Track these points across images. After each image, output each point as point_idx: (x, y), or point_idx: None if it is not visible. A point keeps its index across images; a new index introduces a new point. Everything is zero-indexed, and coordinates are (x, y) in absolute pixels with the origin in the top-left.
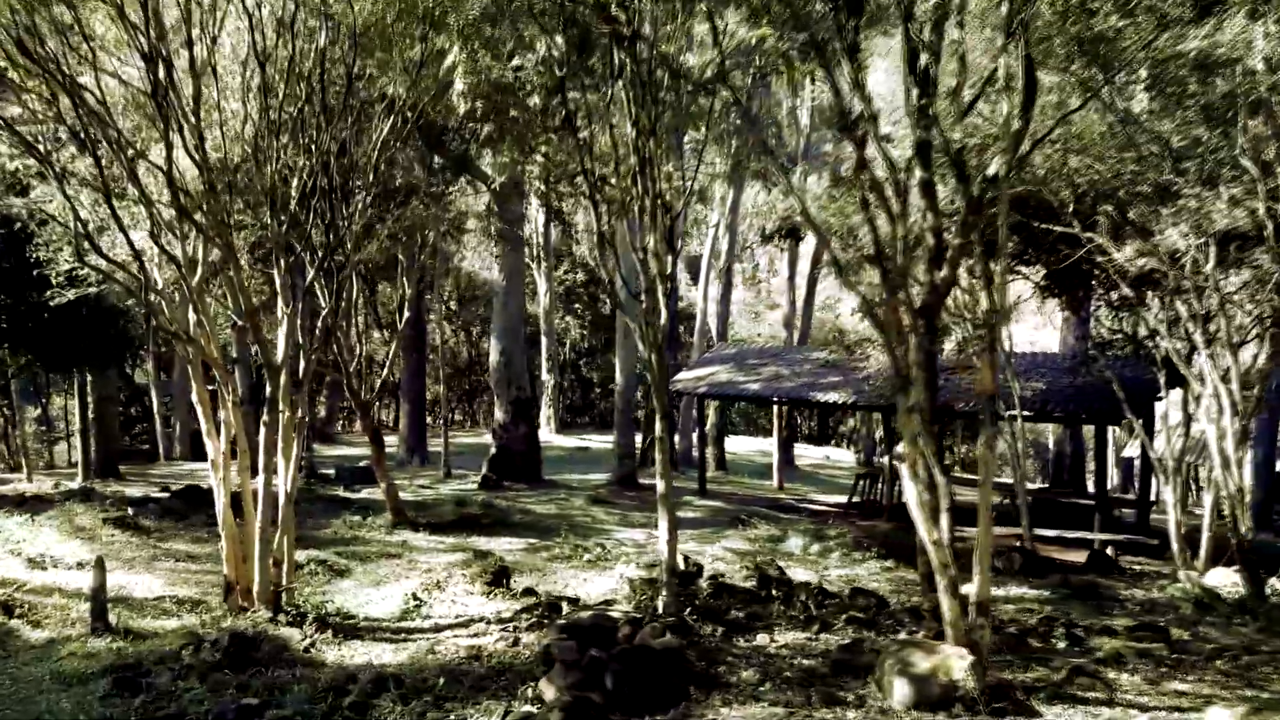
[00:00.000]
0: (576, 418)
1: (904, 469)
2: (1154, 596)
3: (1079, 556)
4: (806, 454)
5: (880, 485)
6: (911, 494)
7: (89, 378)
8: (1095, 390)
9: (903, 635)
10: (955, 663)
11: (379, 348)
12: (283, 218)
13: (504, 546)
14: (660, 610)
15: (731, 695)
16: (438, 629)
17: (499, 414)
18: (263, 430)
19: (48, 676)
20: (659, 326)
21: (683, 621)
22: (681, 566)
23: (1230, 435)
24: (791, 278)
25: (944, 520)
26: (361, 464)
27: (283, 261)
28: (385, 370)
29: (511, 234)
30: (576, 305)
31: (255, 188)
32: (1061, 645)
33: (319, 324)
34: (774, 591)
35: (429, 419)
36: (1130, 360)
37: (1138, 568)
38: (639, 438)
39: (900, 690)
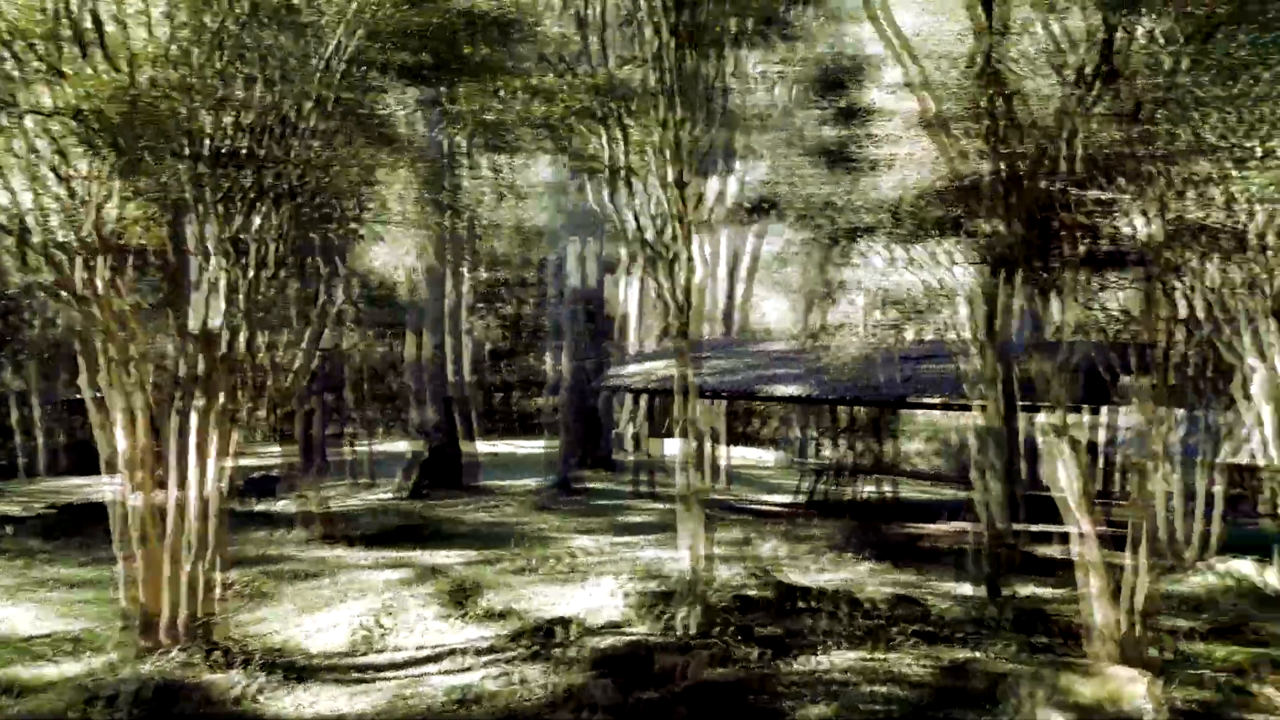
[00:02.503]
0: (496, 423)
1: (1060, 444)
2: (1184, 591)
3: (1055, 551)
4: (731, 454)
5: (830, 483)
6: (1069, 476)
7: None
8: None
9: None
10: (1130, 688)
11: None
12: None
13: (452, 560)
14: (687, 631)
15: None
16: (406, 665)
17: (422, 416)
18: (193, 421)
19: None
20: (690, 288)
21: (718, 644)
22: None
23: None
24: (732, 271)
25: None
26: (273, 473)
27: (211, 210)
28: (304, 363)
29: (442, 216)
30: (495, 305)
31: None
32: (1168, 656)
33: (248, 291)
34: (800, 603)
35: (335, 426)
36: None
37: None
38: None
39: None
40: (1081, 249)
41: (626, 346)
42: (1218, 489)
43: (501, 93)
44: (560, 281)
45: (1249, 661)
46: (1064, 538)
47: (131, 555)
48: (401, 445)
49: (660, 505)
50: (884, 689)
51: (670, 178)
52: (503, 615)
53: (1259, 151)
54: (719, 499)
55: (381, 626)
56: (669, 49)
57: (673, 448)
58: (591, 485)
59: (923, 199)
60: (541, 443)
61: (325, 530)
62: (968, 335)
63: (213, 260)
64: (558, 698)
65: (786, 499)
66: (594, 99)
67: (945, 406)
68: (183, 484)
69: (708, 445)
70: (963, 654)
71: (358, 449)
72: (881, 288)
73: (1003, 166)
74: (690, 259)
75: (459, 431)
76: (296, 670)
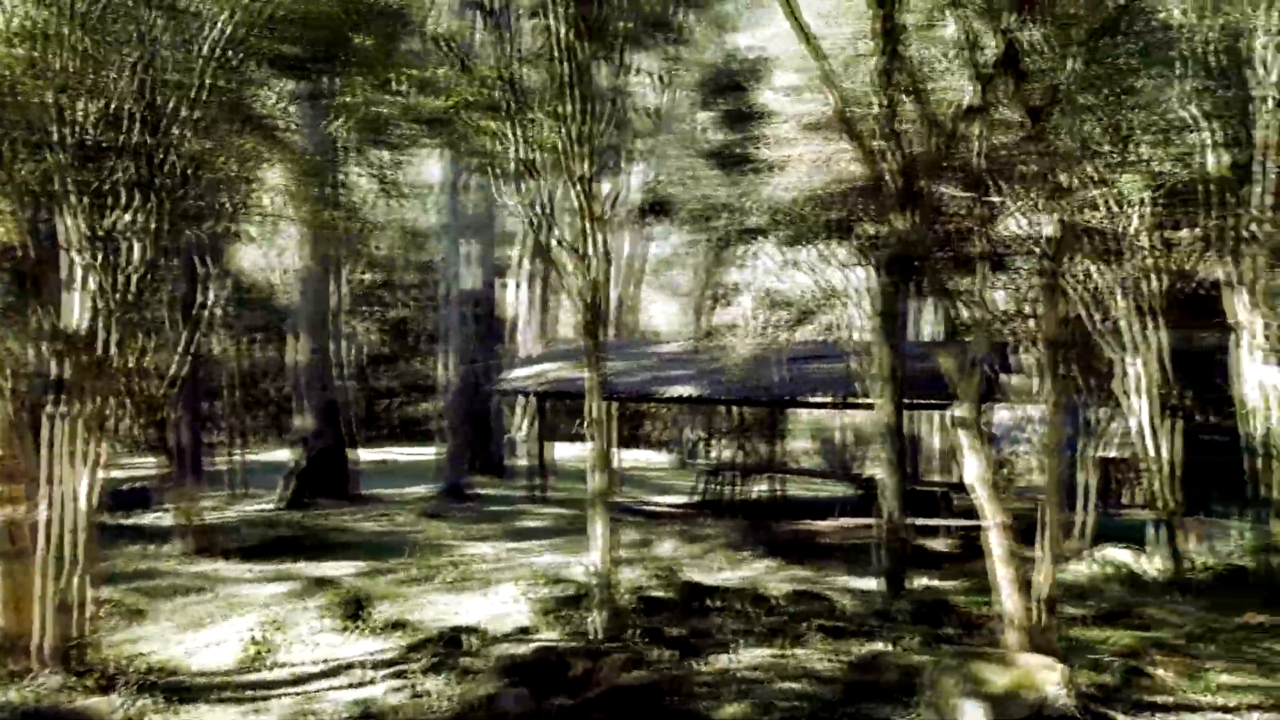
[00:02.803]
0: (380, 429)
1: (965, 437)
2: (1068, 579)
3: (940, 545)
4: (621, 457)
5: (724, 483)
6: (975, 468)
7: None
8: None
9: (884, 645)
10: (1044, 675)
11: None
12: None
13: (339, 571)
14: (596, 634)
15: None
16: (301, 680)
17: (303, 421)
18: (60, 429)
19: None
20: (598, 285)
21: (627, 646)
22: (582, 580)
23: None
24: (621, 274)
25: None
26: (145, 485)
27: (77, 205)
28: (177, 368)
29: (322, 214)
30: (373, 308)
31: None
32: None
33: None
34: (707, 602)
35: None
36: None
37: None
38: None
39: (972, 715)
40: (973, 250)
41: (517, 349)
42: (1093, 481)
43: (392, 85)
44: (448, 283)
45: (1138, 645)
46: (948, 531)
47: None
48: (285, 454)
49: (554, 510)
50: (796, 685)
51: (577, 174)
52: (400, 626)
53: (1131, 156)
54: (618, 502)
55: (269, 642)
56: (571, 42)
57: (564, 451)
58: (483, 491)
59: (813, 201)
60: (429, 449)
61: (201, 544)
62: (858, 335)
63: (78, 258)
64: (467, 708)
65: (679, 500)
66: (495, 92)
67: (837, 405)
68: (50, 497)
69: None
70: (871, 647)
71: (235, 458)
72: (771, 289)
73: (896, 168)
74: (599, 256)
75: (352, 435)
76: (182, 690)
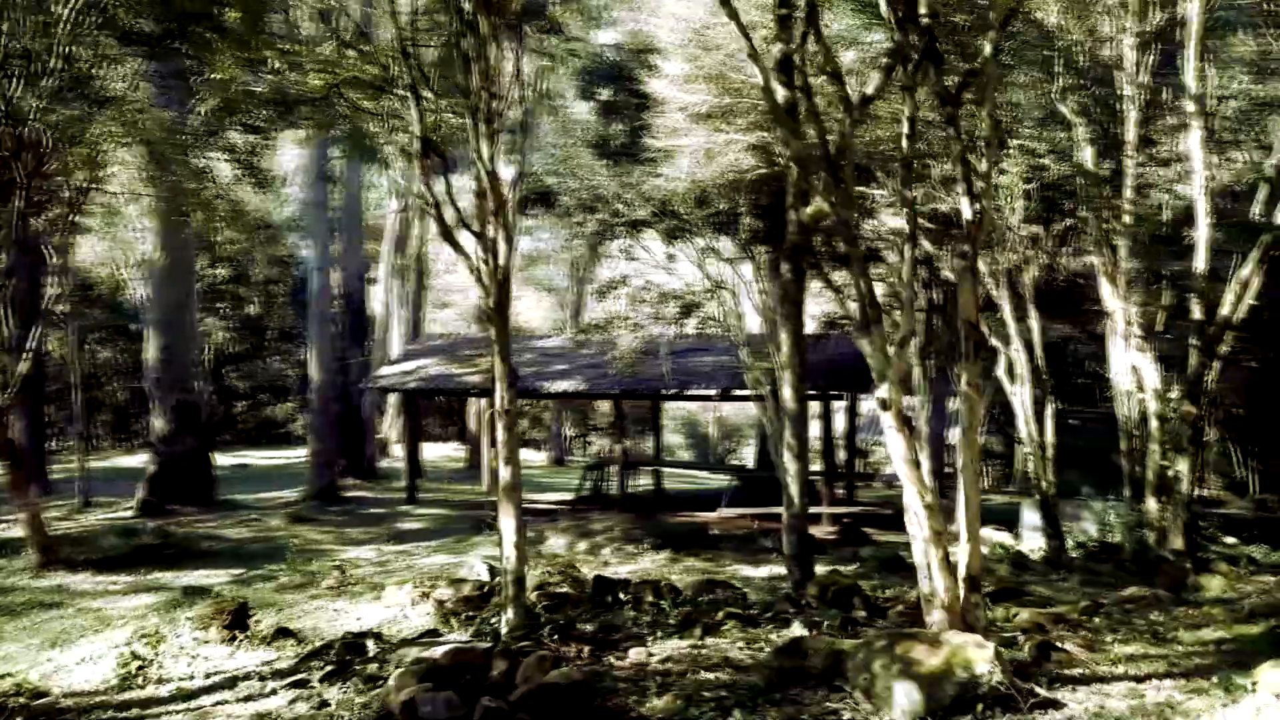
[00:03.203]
0: (239, 432)
1: (888, 419)
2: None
3: (822, 532)
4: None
5: (607, 478)
6: (899, 448)
7: None
8: (839, 364)
9: (800, 629)
10: (974, 653)
11: None
12: None
13: (209, 580)
14: (507, 633)
15: None
16: (189, 695)
17: (159, 423)
18: None
19: None
20: (504, 274)
21: (541, 644)
22: (485, 579)
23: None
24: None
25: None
26: None
27: None
28: (13, 368)
29: (176, 201)
30: (225, 305)
31: None
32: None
33: None
34: (616, 595)
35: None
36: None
37: (885, 538)
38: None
39: (905, 696)
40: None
41: (387, 347)
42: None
43: (266, 63)
44: (316, 278)
45: (1041, 620)
46: (821, 518)
47: None
48: (130, 460)
49: (430, 511)
50: (718, 675)
51: (485, 153)
52: (287, 634)
53: (1011, 149)
54: (493, 500)
55: (146, 656)
56: (474, 15)
57: (431, 452)
58: (355, 494)
59: (702, 191)
60: (287, 452)
61: (50, 556)
62: (742, 327)
63: None
64: (383, 717)
65: (559, 496)
66: (394, 68)
67: (725, 397)
68: None
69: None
70: (786, 634)
71: (79, 465)
72: (654, 283)
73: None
74: (504, 240)
75: (210, 438)
76: (56, 713)
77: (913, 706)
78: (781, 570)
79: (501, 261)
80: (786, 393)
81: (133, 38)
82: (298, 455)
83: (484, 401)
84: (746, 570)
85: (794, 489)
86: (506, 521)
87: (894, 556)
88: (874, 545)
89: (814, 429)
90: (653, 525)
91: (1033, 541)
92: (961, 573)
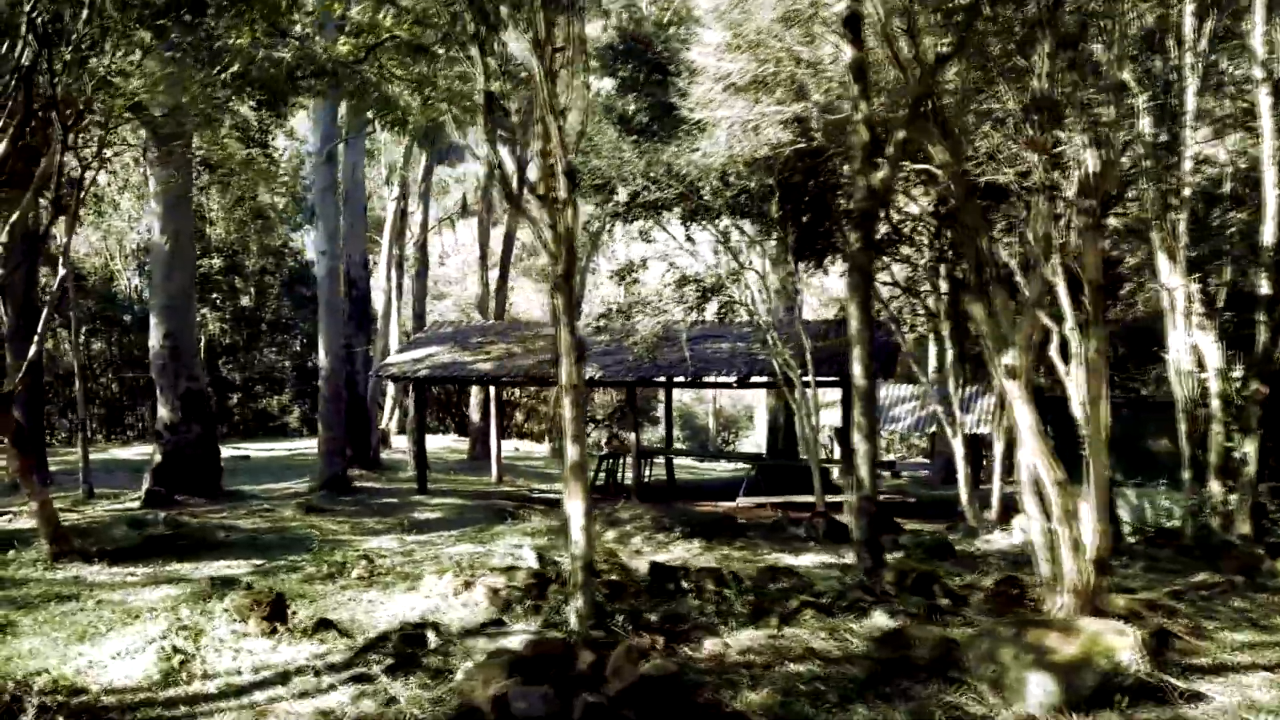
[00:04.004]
0: (234, 423)
1: (1015, 388)
2: (1000, 549)
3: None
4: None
5: (620, 468)
6: (1027, 419)
7: None
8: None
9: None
10: (1114, 640)
11: None
12: None
13: (226, 572)
14: (578, 622)
15: None
16: (240, 691)
17: (164, 412)
18: None
19: None
20: (570, 239)
21: (615, 635)
22: (535, 565)
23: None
24: (483, 258)
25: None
26: None
27: None
28: (34, 350)
29: (182, 182)
30: (214, 296)
31: None
32: None
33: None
34: (671, 584)
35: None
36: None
37: (912, 525)
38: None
39: (1039, 688)
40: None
41: (387, 336)
42: (999, 453)
43: (294, 26)
44: (327, 262)
45: (1134, 606)
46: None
47: None
48: (124, 451)
49: (442, 501)
50: (810, 667)
51: (560, 107)
52: (328, 626)
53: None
54: (505, 491)
55: (186, 650)
56: None
57: (432, 443)
58: (364, 485)
59: (734, 169)
60: (287, 444)
61: (59, 547)
62: (765, 313)
63: None
64: (465, 713)
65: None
66: (462, 12)
67: (747, 383)
68: None
69: (489, 437)
70: (869, 623)
71: (81, 455)
72: (676, 267)
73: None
74: (571, 202)
75: (216, 426)
76: (100, 711)
77: (1048, 698)
78: (826, 558)
79: (563, 227)
80: (856, 370)
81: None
82: (296, 447)
83: (493, 390)
84: (787, 558)
85: (864, 471)
86: (574, 504)
87: (942, 543)
88: (907, 533)
89: (826, 417)
90: (679, 514)
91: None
92: (1090, 554)
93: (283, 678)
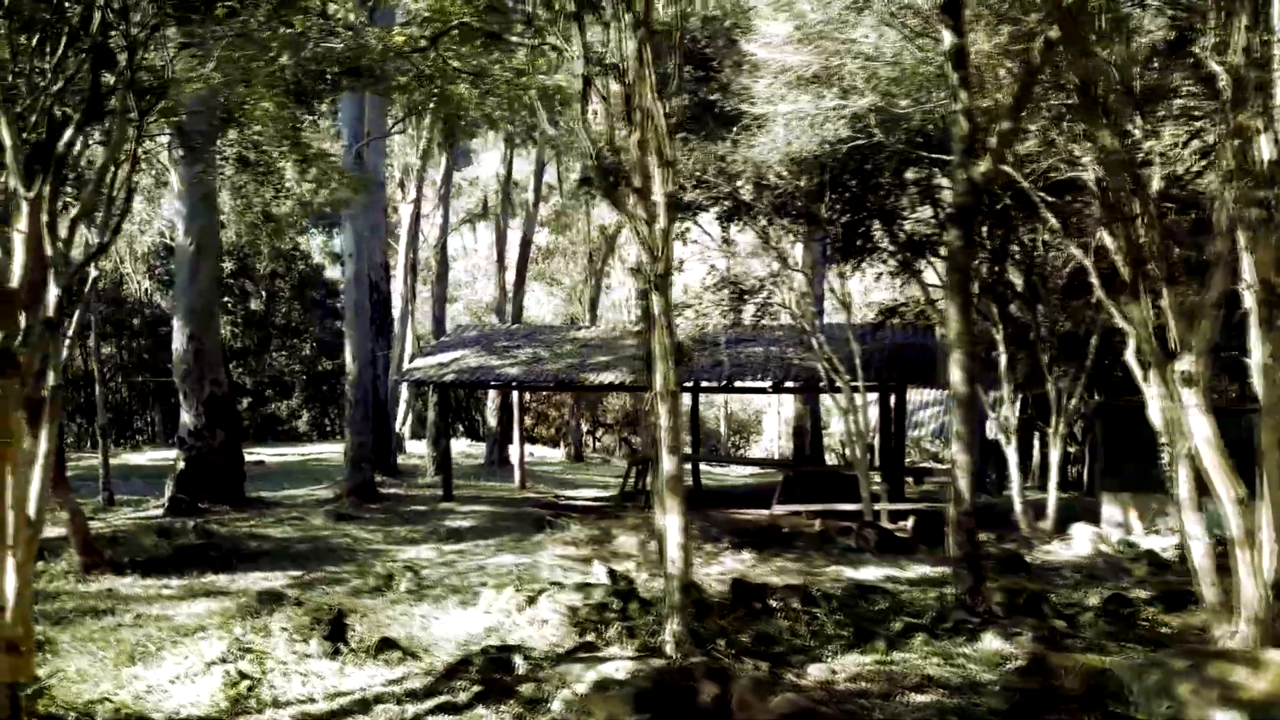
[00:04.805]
0: (245, 429)
1: (1190, 396)
2: (1067, 560)
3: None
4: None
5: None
6: (1204, 430)
7: None
8: (906, 354)
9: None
10: None
11: None
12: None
13: (265, 584)
14: (674, 647)
15: None
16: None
17: (188, 418)
18: None
19: None
20: (666, 234)
21: (718, 660)
22: (606, 582)
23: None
24: (501, 261)
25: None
26: None
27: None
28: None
29: (207, 182)
30: (226, 300)
31: None
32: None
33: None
34: (767, 602)
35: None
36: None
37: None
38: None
39: None
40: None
41: (404, 340)
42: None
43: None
44: (355, 265)
45: None
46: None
47: None
48: (135, 457)
49: (472, 508)
50: (935, 697)
51: (646, 90)
52: (392, 645)
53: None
54: (531, 498)
55: (248, 677)
56: None
57: (453, 447)
58: (388, 491)
59: (788, 166)
60: (299, 449)
61: (90, 558)
62: (809, 314)
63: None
64: None
65: (600, 494)
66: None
67: (782, 388)
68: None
69: (513, 444)
70: (984, 647)
71: (98, 461)
72: (715, 267)
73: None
74: (668, 195)
75: (241, 432)
76: None
77: None
78: (890, 571)
79: (664, 222)
80: (956, 375)
81: None
82: (308, 452)
83: (515, 395)
84: (847, 571)
85: (963, 483)
86: (671, 519)
87: (1013, 556)
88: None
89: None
90: (724, 523)
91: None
92: (1268, 578)
93: (362, 706)
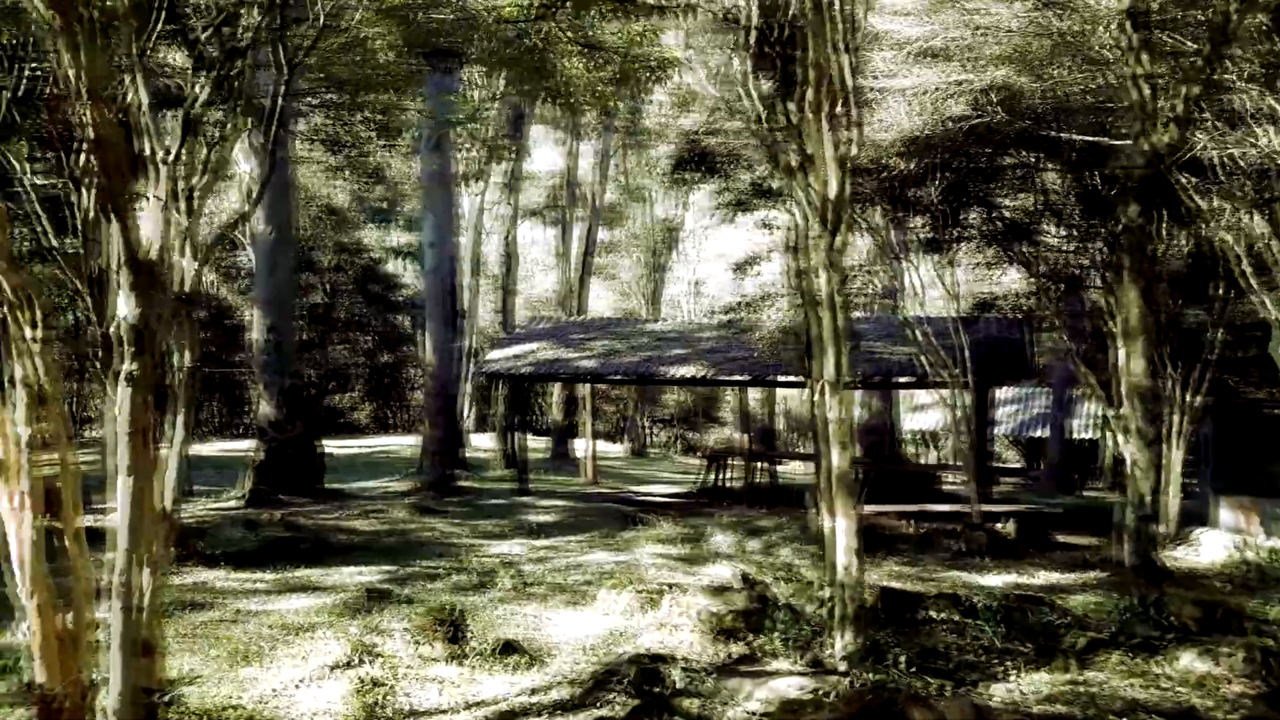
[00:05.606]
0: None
1: None
2: (1200, 566)
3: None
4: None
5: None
6: None
7: None
8: (994, 350)
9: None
10: None
11: None
12: None
13: (359, 579)
14: (846, 663)
15: None
16: None
17: (267, 409)
18: (123, 393)
19: None
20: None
21: (893, 678)
22: (739, 585)
23: None
24: (565, 254)
25: None
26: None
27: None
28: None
29: (287, 170)
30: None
31: None
32: None
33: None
34: (929, 612)
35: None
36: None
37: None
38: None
39: None
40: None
41: (470, 333)
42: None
43: None
44: (432, 257)
45: None
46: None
47: (44, 606)
48: (214, 447)
49: (549, 502)
50: None
51: (834, 35)
52: (513, 649)
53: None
54: (606, 493)
55: (378, 684)
56: None
57: (533, 441)
58: (462, 485)
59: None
60: (362, 441)
61: (180, 550)
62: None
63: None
64: None
65: (674, 489)
66: None
67: (920, 385)
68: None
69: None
70: (1183, 666)
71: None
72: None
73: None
74: (839, 162)
75: (319, 424)
76: None
77: None
78: (1017, 578)
79: (835, 189)
80: (1137, 366)
81: None
82: (372, 444)
83: (586, 389)
84: (968, 577)
85: (1144, 485)
86: (841, 522)
87: (1147, 562)
88: (1068, 549)
89: (930, 418)
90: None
91: None
92: None
93: (508, 719)
